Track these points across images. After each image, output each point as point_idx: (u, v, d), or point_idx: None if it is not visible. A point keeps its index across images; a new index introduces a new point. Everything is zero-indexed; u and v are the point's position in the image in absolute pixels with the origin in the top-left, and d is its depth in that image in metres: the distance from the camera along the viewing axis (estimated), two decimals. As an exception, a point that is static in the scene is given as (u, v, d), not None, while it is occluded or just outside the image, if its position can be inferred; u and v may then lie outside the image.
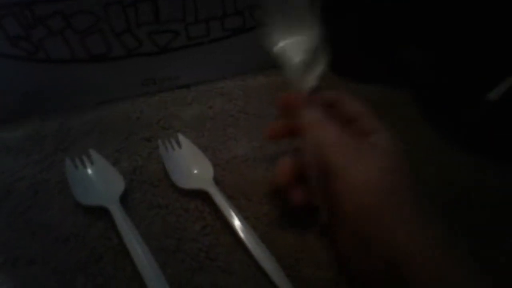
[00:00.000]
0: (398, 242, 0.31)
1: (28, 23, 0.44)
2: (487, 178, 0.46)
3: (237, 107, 0.54)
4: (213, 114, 0.53)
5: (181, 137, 0.47)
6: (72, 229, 0.40)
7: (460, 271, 0.29)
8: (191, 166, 0.45)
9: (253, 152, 0.48)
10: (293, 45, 0.38)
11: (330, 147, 0.34)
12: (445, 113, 0.53)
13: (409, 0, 0.50)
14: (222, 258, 0.39)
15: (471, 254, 0.30)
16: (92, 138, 0.49)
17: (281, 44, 0.38)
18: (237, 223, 0.40)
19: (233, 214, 0.40)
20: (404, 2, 0.50)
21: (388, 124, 0.36)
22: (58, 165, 0.45)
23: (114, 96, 0.54)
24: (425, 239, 0.31)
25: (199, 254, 0.39)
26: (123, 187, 0.42)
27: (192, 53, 0.53)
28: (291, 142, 0.48)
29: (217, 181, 0.43)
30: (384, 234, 0.31)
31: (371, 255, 0.32)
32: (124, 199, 0.42)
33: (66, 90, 0.51)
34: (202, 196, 0.42)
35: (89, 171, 0.44)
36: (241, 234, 0.39)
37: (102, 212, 0.41)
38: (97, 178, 0.43)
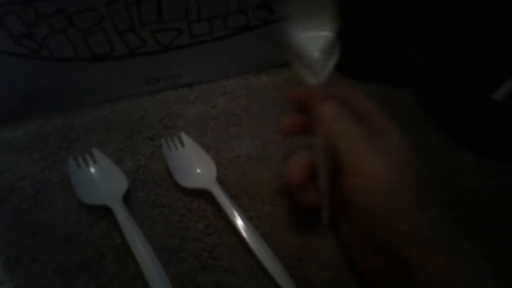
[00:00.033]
0: (410, 241, 0.31)
1: (31, 21, 0.44)
2: (488, 178, 0.46)
3: (240, 106, 0.53)
4: (216, 113, 0.52)
5: (184, 136, 0.47)
6: (75, 228, 0.40)
7: (472, 273, 0.29)
8: (194, 166, 0.45)
9: (256, 151, 0.48)
10: (311, 40, 0.38)
11: (346, 142, 0.34)
12: (448, 113, 0.53)
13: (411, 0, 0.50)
14: (225, 258, 0.39)
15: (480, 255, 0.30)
16: (95, 137, 0.49)
17: (299, 38, 0.38)
18: (240, 222, 0.40)
19: (236, 213, 0.40)
20: (407, 1, 0.50)
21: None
22: (60, 164, 0.45)
23: (117, 95, 0.53)
24: (437, 238, 0.31)
25: (202, 253, 0.39)
26: (126, 186, 0.42)
27: (195, 52, 0.53)
28: (293, 141, 0.48)
29: (220, 180, 0.43)
30: (396, 232, 0.31)
31: (380, 253, 0.32)
32: (127, 198, 0.42)
33: (69, 89, 0.51)
34: (205, 195, 0.42)
35: (92, 170, 0.44)
36: (244, 234, 0.39)
37: (105, 211, 0.40)
38: (100, 177, 0.43)
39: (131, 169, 0.45)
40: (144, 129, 0.50)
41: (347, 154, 0.34)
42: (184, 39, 0.51)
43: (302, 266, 0.38)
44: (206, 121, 0.51)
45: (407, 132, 0.36)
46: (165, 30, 0.50)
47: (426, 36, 0.53)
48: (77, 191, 0.42)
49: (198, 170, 0.45)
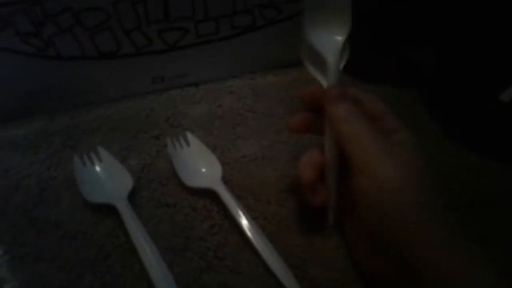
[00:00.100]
0: (416, 241, 0.30)
1: (38, 19, 0.44)
2: (491, 179, 0.46)
3: (246, 106, 0.53)
4: (222, 112, 0.52)
5: (189, 136, 0.47)
6: (80, 227, 0.40)
7: (477, 273, 0.29)
8: (200, 165, 0.45)
9: (262, 151, 0.48)
10: (326, 43, 0.38)
11: (356, 142, 0.34)
12: (453, 113, 0.52)
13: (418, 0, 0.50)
14: (230, 258, 0.39)
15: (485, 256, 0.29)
16: (100, 136, 0.49)
17: (314, 40, 0.38)
18: (245, 222, 0.40)
19: (241, 213, 0.40)
20: (413, 1, 0.50)
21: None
22: (66, 162, 0.45)
23: (123, 94, 0.53)
24: (443, 239, 0.30)
25: (207, 253, 0.39)
26: (132, 185, 0.42)
27: (201, 51, 0.53)
28: (299, 141, 0.48)
29: (225, 180, 0.43)
30: (402, 232, 0.31)
31: (385, 254, 0.32)
32: (132, 197, 0.42)
33: (75, 87, 0.51)
34: (210, 195, 0.42)
35: (97, 168, 0.44)
36: (249, 234, 0.39)
37: (110, 210, 0.40)
38: (105, 176, 0.43)
39: (136, 168, 0.45)
40: (150, 128, 0.50)
41: (357, 154, 0.34)
42: (190, 39, 0.51)
43: (307, 266, 0.38)
44: (212, 121, 0.51)
45: (414, 133, 0.36)
46: (172, 29, 0.50)
47: (432, 36, 0.52)
48: (82, 190, 0.42)
49: (204, 170, 0.45)
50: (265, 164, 0.47)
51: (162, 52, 0.51)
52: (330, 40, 0.38)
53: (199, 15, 0.50)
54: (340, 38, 0.38)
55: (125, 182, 0.43)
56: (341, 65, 0.38)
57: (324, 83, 0.38)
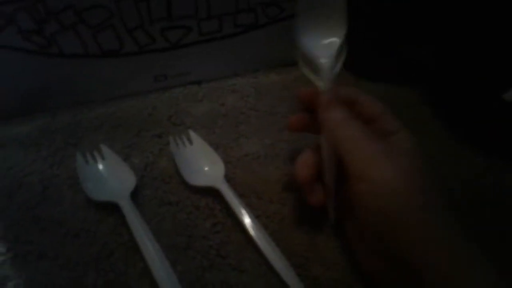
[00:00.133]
0: (416, 244, 0.30)
1: (40, 17, 0.44)
2: (494, 179, 0.46)
3: (248, 104, 0.53)
4: (225, 111, 0.52)
5: (192, 134, 0.47)
6: (83, 225, 0.40)
7: (478, 275, 0.29)
8: (202, 163, 0.45)
9: (264, 150, 0.48)
10: (320, 45, 0.38)
11: (351, 147, 0.34)
12: (457, 112, 0.52)
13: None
14: (232, 256, 0.39)
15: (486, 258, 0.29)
16: (103, 134, 0.49)
17: (308, 43, 0.38)
18: (247, 221, 0.39)
19: (244, 212, 0.40)
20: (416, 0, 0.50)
21: (404, 123, 0.36)
22: (68, 160, 0.45)
23: (125, 92, 0.53)
24: (443, 240, 0.30)
25: (210, 251, 0.39)
26: (135, 183, 0.42)
27: (204, 49, 0.53)
28: (302, 139, 0.48)
29: (228, 178, 0.43)
30: (401, 235, 0.31)
31: (388, 255, 0.32)
32: (134, 195, 0.42)
33: (78, 85, 0.51)
34: (213, 193, 0.42)
35: (100, 166, 0.44)
36: (252, 232, 0.39)
37: (113, 208, 0.40)
38: (108, 174, 0.43)
39: (139, 166, 0.45)
40: (152, 127, 0.50)
41: (353, 160, 0.33)
42: (193, 37, 0.51)
43: (309, 265, 0.38)
44: (215, 119, 0.51)
45: (418, 132, 0.35)
46: (174, 28, 0.50)
47: (435, 34, 0.52)
48: (85, 188, 0.42)
49: (206, 168, 0.45)
50: (267, 162, 0.47)
51: (165, 50, 0.51)
52: (324, 45, 0.38)
53: (202, 13, 0.50)
54: (334, 43, 0.37)
55: (128, 180, 0.43)
56: (337, 69, 0.38)
57: (319, 84, 0.38)
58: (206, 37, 0.52)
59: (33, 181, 0.43)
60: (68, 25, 0.45)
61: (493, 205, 0.43)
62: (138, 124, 0.50)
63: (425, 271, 0.29)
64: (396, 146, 0.34)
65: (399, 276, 0.32)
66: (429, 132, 0.50)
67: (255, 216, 0.40)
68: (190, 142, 0.47)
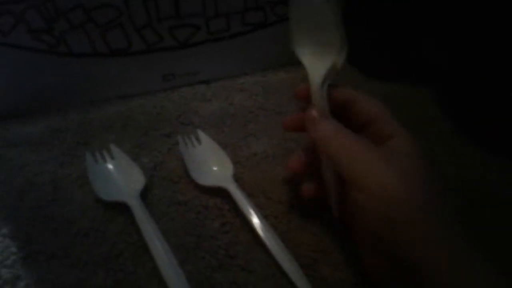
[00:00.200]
0: (419, 243, 0.30)
1: (50, 16, 0.44)
2: (498, 178, 0.46)
3: (257, 103, 0.53)
4: (233, 110, 0.52)
5: (201, 134, 0.47)
6: (93, 224, 0.40)
7: (480, 276, 0.29)
8: (211, 163, 0.45)
9: (273, 149, 0.48)
10: (315, 62, 0.37)
11: (346, 159, 0.33)
12: (466, 112, 0.52)
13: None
14: (241, 256, 0.39)
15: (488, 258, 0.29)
16: (112, 133, 0.49)
17: (304, 56, 0.38)
18: (256, 221, 0.39)
19: (252, 212, 0.40)
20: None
21: (407, 122, 0.36)
22: (78, 159, 0.46)
23: (134, 91, 0.54)
24: (447, 242, 0.30)
25: (219, 251, 0.39)
26: (144, 183, 0.42)
27: (212, 48, 0.53)
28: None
29: (236, 178, 0.43)
30: (404, 234, 0.31)
31: (388, 255, 0.32)
32: (143, 195, 0.42)
33: (87, 84, 0.51)
34: (221, 193, 0.42)
35: (110, 166, 0.44)
36: (261, 232, 0.39)
37: (122, 208, 0.41)
38: (118, 173, 0.43)
39: (148, 166, 0.45)
40: (161, 126, 0.50)
41: (349, 170, 0.33)
42: (201, 36, 0.51)
43: (318, 266, 0.38)
44: (223, 118, 0.51)
45: (425, 131, 0.35)
46: (183, 26, 0.50)
47: (445, 33, 0.52)
48: (95, 187, 0.42)
49: (215, 168, 0.45)
50: (276, 162, 0.47)
51: (173, 49, 0.51)
52: (316, 61, 0.37)
53: (210, 12, 0.50)
54: (326, 62, 0.36)
55: (138, 179, 0.43)
56: (334, 72, 0.37)
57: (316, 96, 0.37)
58: (214, 36, 0.52)
59: (44, 181, 0.44)
60: (77, 24, 0.46)
61: (494, 205, 0.43)
62: (147, 124, 0.50)
63: (425, 271, 0.29)
64: (394, 149, 0.34)
65: (399, 276, 0.32)
66: (435, 132, 0.50)
67: (263, 216, 0.40)
68: (199, 141, 0.47)
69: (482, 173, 0.46)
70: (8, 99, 0.49)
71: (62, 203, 0.42)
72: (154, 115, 0.51)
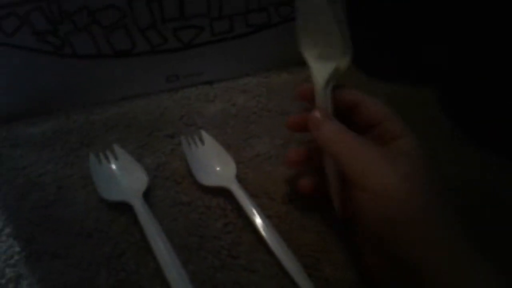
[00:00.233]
0: (419, 243, 0.30)
1: (55, 18, 0.44)
2: (498, 179, 0.46)
3: (260, 104, 0.53)
4: (236, 111, 0.52)
5: (204, 134, 0.47)
6: (96, 225, 0.40)
7: (480, 276, 0.29)
8: (214, 164, 0.45)
9: (276, 150, 0.48)
10: (319, 64, 0.37)
11: (348, 159, 0.34)
12: (467, 111, 0.52)
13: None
14: (244, 256, 0.39)
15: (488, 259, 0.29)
16: (116, 134, 0.49)
17: (306, 53, 0.38)
18: (259, 221, 0.39)
19: (255, 212, 0.40)
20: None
21: (411, 123, 0.36)
22: (82, 160, 0.46)
23: (138, 92, 0.54)
24: (447, 242, 0.30)
25: (221, 251, 0.39)
26: (147, 183, 0.42)
27: (215, 49, 0.53)
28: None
29: (239, 179, 0.43)
30: (405, 234, 0.31)
31: (388, 255, 0.32)
32: (147, 195, 0.42)
33: (91, 85, 0.51)
34: (224, 193, 0.42)
35: (113, 166, 0.44)
36: (263, 233, 0.39)
37: (125, 208, 0.41)
38: (121, 174, 0.44)
39: (151, 166, 0.46)
40: (164, 127, 0.50)
41: (351, 170, 0.33)
42: (205, 37, 0.51)
43: (321, 266, 0.38)
44: (226, 119, 0.51)
45: (429, 132, 0.35)
46: (187, 27, 0.50)
47: (445, 33, 0.52)
48: (98, 187, 0.42)
49: (218, 168, 0.45)
50: (279, 162, 0.47)
51: (177, 50, 0.51)
52: (320, 63, 0.37)
53: (214, 13, 0.50)
54: (331, 64, 0.37)
55: (141, 180, 0.43)
56: (339, 74, 0.37)
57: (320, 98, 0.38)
58: (218, 37, 0.52)
59: (47, 181, 0.44)
60: (82, 25, 0.46)
61: (494, 205, 0.43)
62: (150, 124, 0.50)
63: (425, 271, 0.29)
64: (397, 150, 0.34)
65: (399, 276, 0.32)
66: (435, 132, 0.50)
67: (266, 217, 0.40)
68: (202, 142, 0.47)
69: (482, 173, 0.46)
70: (12, 100, 0.49)
71: (65, 203, 0.42)
72: (158, 115, 0.51)
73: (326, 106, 0.37)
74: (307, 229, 0.41)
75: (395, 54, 0.55)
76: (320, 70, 0.37)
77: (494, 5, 0.46)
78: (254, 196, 0.42)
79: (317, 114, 0.36)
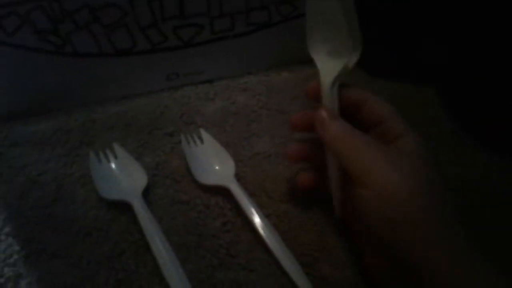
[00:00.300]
0: (419, 243, 0.30)
1: (56, 16, 0.44)
2: (499, 179, 0.46)
3: (260, 102, 0.53)
4: (236, 109, 0.52)
5: (203, 133, 0.47)
6: (95, 223, 0.41)
7: (480, 276, 0.29)
8: (213, 162, 0.45)
9: (275, 149, 0.48)
10: (324, 61, 0.37)
11: (354, 158, 0.34)
12: (467, 111, 0.52)
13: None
14: (242, 255, 0.39)
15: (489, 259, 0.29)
16: (116, 133, 0.49)
17: (317, 55, 0.38)
18: (257, 220, 0.40)
19: (254, 211, 0.40)
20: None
21: (411, 123, 0.36)
22: (82, 159, 0.46)
23: (138, 91, 0.54)
24: (447, 242, 0.30)
25: (220, 250, 0.39)
26: (146, 182, 0.43)
27: (216, 48, 0.53)
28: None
29: (238, 177, 0.43)
30: (405, 234, 0.31)
31: (388, 255, 0.32)
32: (146, 194, 0.42)
33: (91, 84, 0.51)
34: (223, 192, 0.42)
35: (113, 165, 0.44)
36: (262, 232, 0.39)
37: (124, 207, 0.41)
38: (121, 173, 0.44)
39: (150, 165, 0.46)
40: (164, 125, 0.50)
41: (354, 167, 0.34)
42: (205, 35, 0.51)
43: (319, 265, 0.38)
44: (226, 118, 0.51)
45: (430, 132, 0.35)
46: (187, 26, 0.50)
47: (446, 33, 0.52)
48: (98, 186, 0.42)
49: (217, 167, 0.45)
50: (278, 161, 0.47)
51: (177, 49, 0.51)
52: (328, 61, 0.37)
53: (214, 12, 0.50)
54: (339, 63, 0.36)
55: (140, 179, 0.43)
56: (345, 74, 0.37)
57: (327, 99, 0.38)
58: (218, 35, 0.52)
59: (47, 180, 0.44)
60: (83, 24, 0.46)
61: (494, 205, 0.43)
62: (150, 123, 0.50)
63: (425, 271, 0.30)
64: (400, 149, 0.34)
65: (399, 276, 0.32)
66: (436, 132, 0.50)
67: (265, 215, 0.40)
68: (201, 141, 0.47)
69: (483, 173, 0.46)
70: (12, 99, 0.49)
71: (64, 202, 0.42)
72: (158, 114, 0.51)
73: (333, 105, 0.37)
74: (305, 228, 0.41)
75: (395, 54, 0.55)
76: (328, 69, 0.37)
77: (494, 5, 0.46)
78: (253, 195, 0.42)
79: (323, 113, 0.36)
